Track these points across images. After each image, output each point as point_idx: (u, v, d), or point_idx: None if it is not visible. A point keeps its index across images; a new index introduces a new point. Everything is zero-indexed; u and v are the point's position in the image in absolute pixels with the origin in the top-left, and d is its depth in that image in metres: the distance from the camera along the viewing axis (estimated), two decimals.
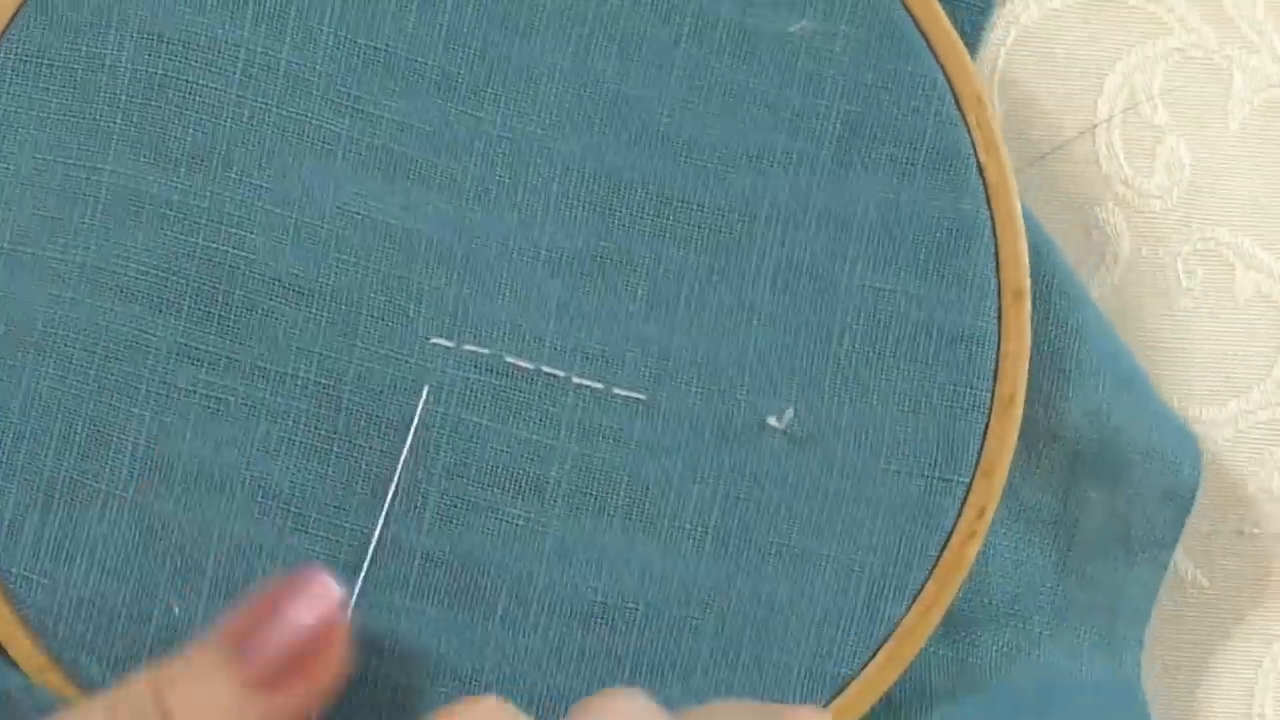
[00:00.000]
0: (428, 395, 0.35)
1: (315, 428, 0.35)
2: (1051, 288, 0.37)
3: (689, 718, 0.30)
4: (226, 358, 0.35)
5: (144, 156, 0.35)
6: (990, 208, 0.36)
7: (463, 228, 0.35)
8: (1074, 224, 0.41)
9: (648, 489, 0.35)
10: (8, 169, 0.35)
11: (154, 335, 0.35)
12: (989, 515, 0.35)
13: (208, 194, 0.35)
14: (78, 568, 0.35)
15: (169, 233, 0.35)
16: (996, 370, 0.35)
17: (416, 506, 0.35)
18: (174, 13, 0.35)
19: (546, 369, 0.35)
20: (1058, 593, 0.38)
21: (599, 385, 0.35)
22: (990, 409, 0.35)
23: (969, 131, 0.36)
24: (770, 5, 0.36)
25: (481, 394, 0.35)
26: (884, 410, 0.35)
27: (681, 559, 0.35)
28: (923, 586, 0.35)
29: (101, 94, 0.35)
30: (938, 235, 0.36)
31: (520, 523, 0.35)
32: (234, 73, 0.35)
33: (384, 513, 0.35)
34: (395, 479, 0.35)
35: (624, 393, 0.35)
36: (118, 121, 0.35)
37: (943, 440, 0.35)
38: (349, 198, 0.35)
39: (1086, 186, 0.41)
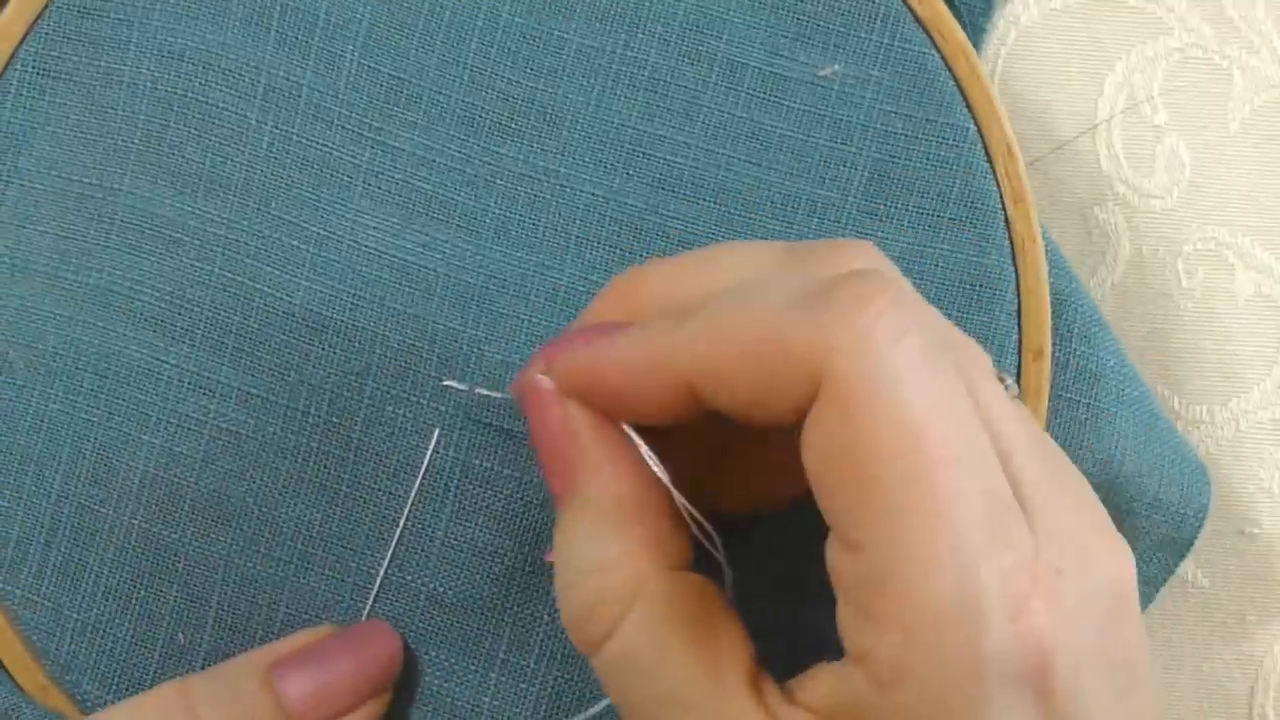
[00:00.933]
0: (438, 438, 0.35)
1: (324, 466, 0.35)
2: (1073, 333, 0.36)
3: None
4: (238, 390, 0.35)
5: (161, 179, 0.35)
6: (1015, 264, 0.35)
7: (480, 267, 0.35)
8: (1074, 224, 0.41)
9: None
10: (23, 186, 0.35)
11: (166, 363, 0.35)
12: None
13: (224, 221, 0.35)
14: (83, 592, 0.35)
15: (184, 259, 0.35)
16: None
17: (422, 549, 0.35)
18: (196, 30, 0.35)
19: None
20: None
21: None
22: None
23: (997, 182, 0.35)
24: (801, 49, 0.35)
25: (492, 438, 0.35)
26: None
27: None
28: None
29: (119, 112, 0.35)
30: (961, 289, 0.35)
31: (526, 569, 0.35)
32: (254, 96, 0.35)
33: (389, 554, 0.35)
34: (401, 521, 0.35)
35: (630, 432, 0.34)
36: (135, 141, 0.35)
37: None
38: (367, 232, 0.35)
39: (1086, 186, 0.41)
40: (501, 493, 0.35)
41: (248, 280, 0.35)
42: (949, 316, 0.34)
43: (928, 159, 0.35)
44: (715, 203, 0.35)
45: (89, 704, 0.34)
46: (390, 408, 0.35)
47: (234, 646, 0.34)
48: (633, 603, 0.27)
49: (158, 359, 0.35)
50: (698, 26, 0.35)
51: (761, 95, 0.35)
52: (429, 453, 0.35)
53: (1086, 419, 0.35)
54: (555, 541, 0.29)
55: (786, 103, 0.35)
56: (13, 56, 0.35)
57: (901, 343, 0.25)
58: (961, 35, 0.35)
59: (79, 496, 0.35)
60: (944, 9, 0.35)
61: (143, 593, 0.35)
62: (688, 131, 0.35)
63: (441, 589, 0.35)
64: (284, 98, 0.35)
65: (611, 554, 0.27)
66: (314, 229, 0.35)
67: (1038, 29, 0.41)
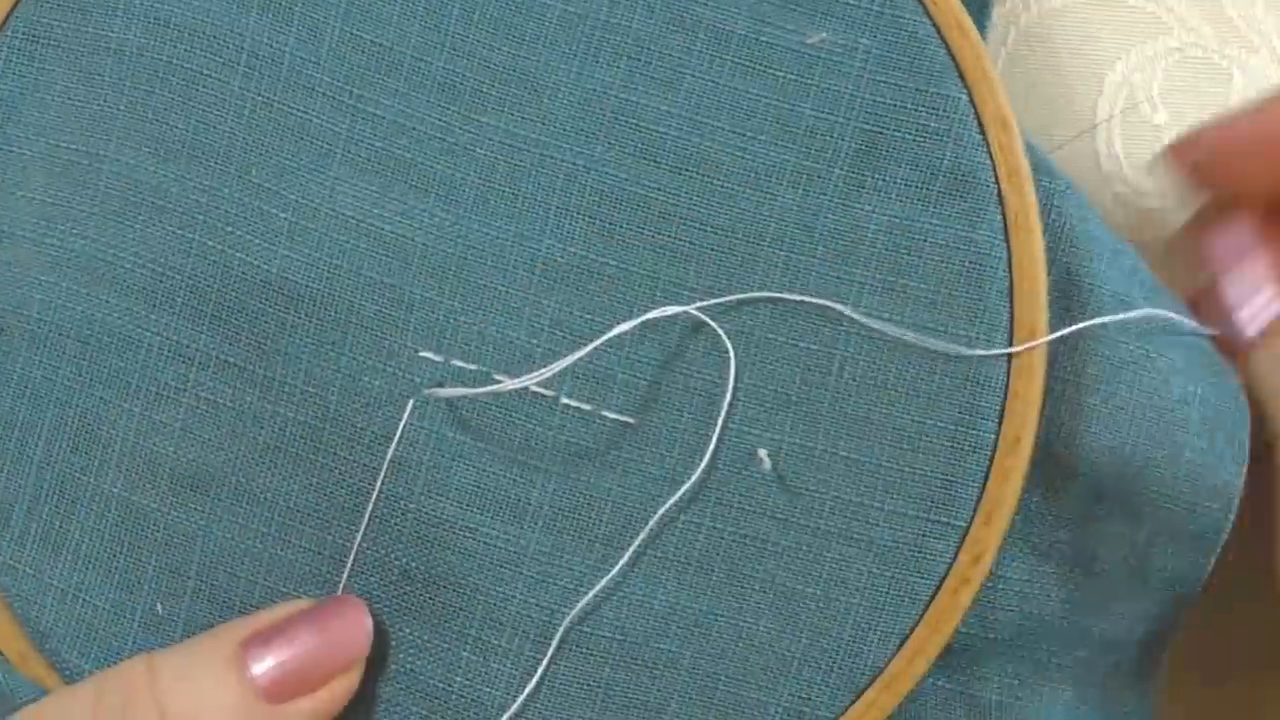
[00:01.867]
0: (412, 409, 0.34)
1: (301, 436, 0.34)
2: (1085, 314, 0.34)
3: None
4: (217, 359, 0.35)
5: (145, 146, 0.35)
6: (1008, 240, 0.34)
7: (458, 236, 0.34)
8: None
9: (631, 516, 0.34)
10: (11, 152, 0.35)
11: (148, 331, 0.35)
12: (986, 562, 0.33)
13: (206, 189, 0.35)
14: (63, 560, 0.35)
15: (166, 226, 0.35)
16: (1003, 411, 0.33)
17: (396, 522, 0.34)
18: None
19: (535, 389, 0.34)
20: (1071, 624, 0.35)
21: (587, 407, 0.34)
22: (993, 451, 0.33)
23: (991, 156, 0.34)
24: (788, 17, 0.34)
25: (466, 410, 0.34)
26: (881, 446, 0.34)
27: (662, 589, 0.34)
28: (911, 632, 0.33)
29: (107, 79, 0.35)
30: (949, 266, 0.34)
31: (498, 544, 0.34)
32: (238, 63, 0.35)
33: (363, 527, 0.34)
34: (375, 494, 0.34)
35: (613, 416, 0.34)
36: (121, 108, 0.35)
37: (941, 481, 0.33)
38: (345, 201, 0.35)
39: (1086, 186, 0.41)
40: (474, 466, 0.34)
41: (226, 248, 0.35)
42: (936, 293, 0.34)
43: (916, 130, 0.34)
44: (698, 173, 0.34)
45: (68, 673, 0.35)
46: (366, 378, 0.34)
47: (212, 617, 0.34)
48: None
49: (139, 326, 0.35)
50: None
51: (747, 63, 0.34)
52: (401, 424, 0.34)
53: (1099, 405, 0.34)
54: None
55: (773, 71, 0.34)
56: (4, 23, 0.35)
57: None
58: (956, 3, 0.34)
59: (61, 463, 0.35)
60: None
61: (122, 562, 0.35)
62: (671, 100, 0.35)
63: (414, 564, 0.34)
64: (266, 65, 0.35)
65: None
66: (292, 197, 0.35)
67: (1037, 29, 0.41)
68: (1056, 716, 0.36)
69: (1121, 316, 0.34)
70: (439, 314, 0.34)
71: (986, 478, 0.33)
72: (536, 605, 0.34)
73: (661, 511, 0.34)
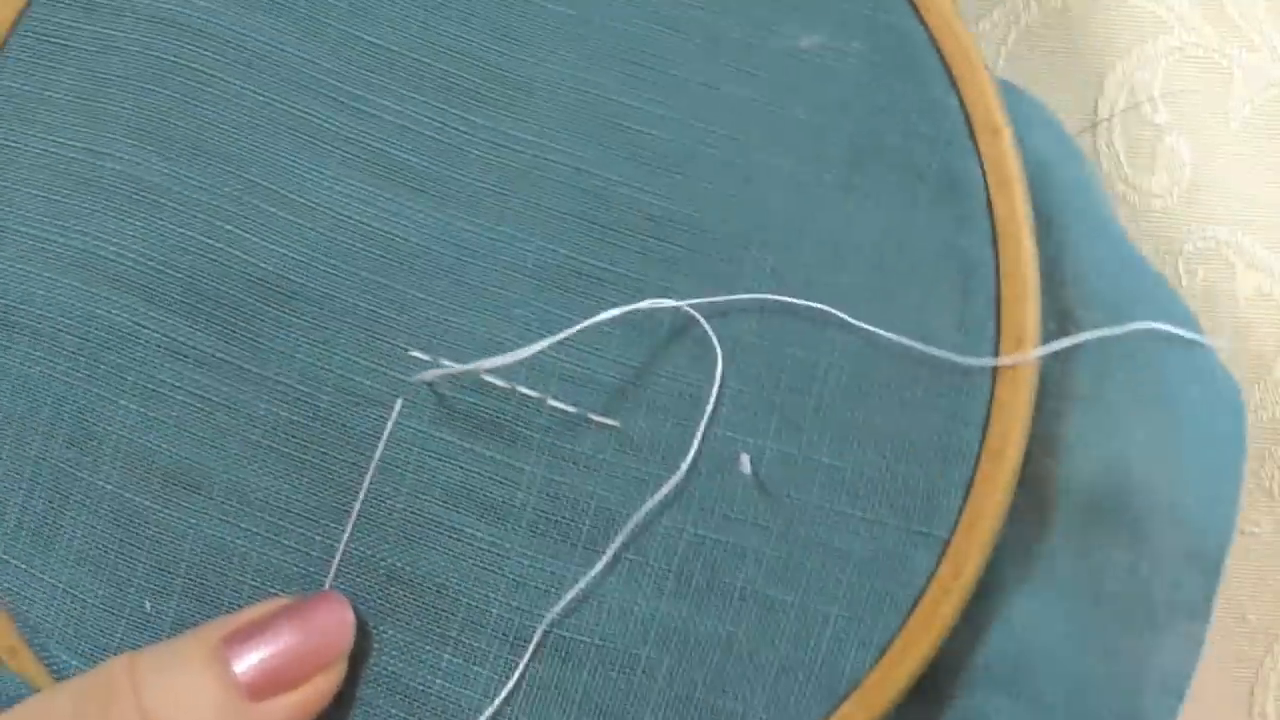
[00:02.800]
0: (400, 409, 0.34)
1: (293, 435, 0.35)
2: (1085, 324, 0.34)
3: None
4: (212, 356, 0.35)
5: (147, 144, 0.35)
6: (996, 248, 0.33)
7: (451, 237, 0.35)
8: None
9: (614, 520, 0.34)
10: (16, 149, 0.36)
11: (144, 328, 0.35)
12: (968, 573, 0.33)
13: (205, 187, 0.35)
14: (55, 555, 0.35)
15: (165, 224, 0.35)
16: (987, 420, 0.33)
17: (382, 522, 0.34)
18: None
19: (522, 389, 0.34)
20: (1077, 664, 0.34)
21: (573, 409, 0.34)
22: (977, 461, 0.33)
23: (981, 163, 0.34)
24: (781, 20, 0.35)
25: (453, 411, 0.34)
26: (863, 454, 0.33)
27: (642, 594, 0.34)
28: (890, 642, 0.33)
29: (112, 78, 0.36)
30: (935, 272, 0.34)
31: (482, 546, 0.34)
32: (240, 63, 0.35)
33: (350, 526, 0.34)
34: (361, 493, 0.34)
35: (598, 419, 0.34)
36: (126, 106, 0.36)
37: (923, 490, 0.33)
38: (340, 200, 0.35)
39: None
40: (460, 466, 0.34)
41: (224, 245, 0.35)
42: (922, 298, 0.33)
43: (906, 134, 0.34)
44: (690, 176, 0.35)
45: (56, 669, 0.35)
46: (357, 377, 0.35)
47: (200, 616, 0.34)
48: None
49: (137, 323, 0.35)
50: None
51: (741, 67, 0.35)
52: (389, 423, 0.34)
53: (1090, 416, 0.34)
54: None
55: (765, 75, 0.35)
56: (16, 23, 0.36)
57: None
58: (949, 8, 0.34)
59: (56, 459, 0.35)
60: None
61: (113, 558, 0.35)
62: (665, 104, 0.35)
63: (399, 564, 0.34)
64: (267, 64, 0.35)
65: None
66: (290, 195, 0.35)
67: (1038, 28, 0.41)
68: None
69: (1118, 330, 0.33)
70: (430, 313, 0.35)
71: (970, 488, 0.33)
72: (517, 608, 0.34)
73: (639, 515, 0.34)
